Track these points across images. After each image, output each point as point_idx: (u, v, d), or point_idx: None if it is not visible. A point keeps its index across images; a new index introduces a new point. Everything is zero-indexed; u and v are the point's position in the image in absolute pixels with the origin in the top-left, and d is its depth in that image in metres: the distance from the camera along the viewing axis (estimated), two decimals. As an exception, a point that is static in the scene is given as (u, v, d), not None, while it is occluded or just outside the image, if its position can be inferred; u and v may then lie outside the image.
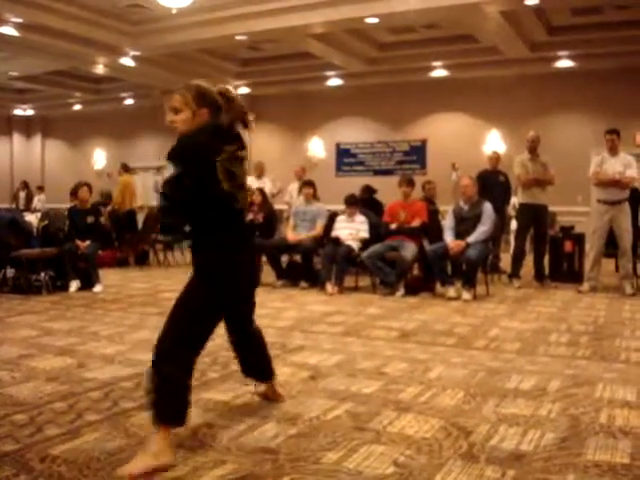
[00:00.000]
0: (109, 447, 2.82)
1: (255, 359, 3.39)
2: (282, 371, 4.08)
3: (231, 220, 2.89)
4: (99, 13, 12.14)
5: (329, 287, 7.85)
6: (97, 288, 7.99)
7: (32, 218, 9.61)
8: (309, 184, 8.99)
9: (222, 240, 2.87)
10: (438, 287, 7.89)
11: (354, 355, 4.60)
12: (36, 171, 22.26)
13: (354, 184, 12.19)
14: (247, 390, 3.64)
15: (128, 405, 3.43)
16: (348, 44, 13.86)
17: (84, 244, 8.10)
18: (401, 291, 7.67)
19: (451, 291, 7.47)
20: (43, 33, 12.20)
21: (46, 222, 8.73)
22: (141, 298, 7.48)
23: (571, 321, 5.99)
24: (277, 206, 10.68)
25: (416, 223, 8.04)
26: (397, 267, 7.73)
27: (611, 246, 8.00)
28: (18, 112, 21.74)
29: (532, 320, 6.05)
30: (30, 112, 21.73)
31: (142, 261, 11.51)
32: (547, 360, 4.48)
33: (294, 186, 11.78)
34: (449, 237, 7.62)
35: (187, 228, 2.86)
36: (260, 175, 11.61)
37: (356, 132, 17.16)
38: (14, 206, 18.64)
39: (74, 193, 8.67)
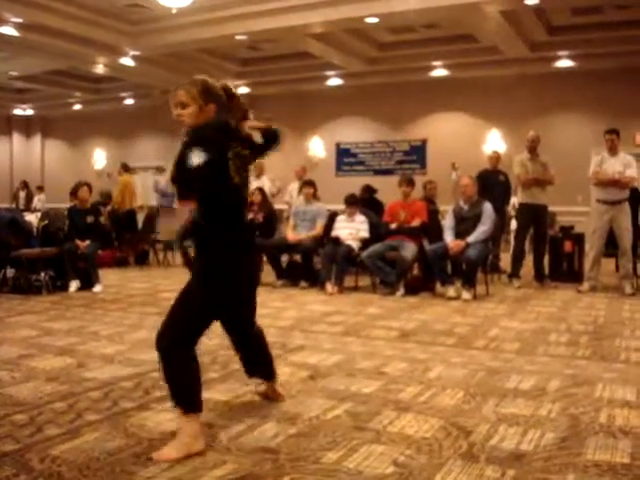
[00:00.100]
0: (109, 447, 2.82)
1: (258, 359, 3.41)
2: (282, 371, 4.08)
3: (235, 218, 2.91)
4: (98, 13, 12.14)
5: (329, 287, 7.85)
6: (97, 288, 7.98)
7: (32, 218, 9.61)
8: (309, 184, 8.99)
9: (227, 239, 2.88)
10: (438, 287, 7.89)
11: (354, 355, 4.60)
12: (36, 171, 22.27)
13: (354, 184, 12.19)
14: (247, 390, 3.64)
15: (128, 405, 3.43)
16: (348, 44, 13.86)
17: (84, 244, 8.10)
18: (401, 291, 7.67)
19: (451, 291, 7.47)
20: (42, 33, 12.20)
21: (46, 222, 8.72)
22: (141, 298, 7.48)
23: (571, 321, 5.99)
24: (277, 206, 10.68)
25: (416, 223, 8.04)
26: (397, 267, 7.73)
27: (611, 246, 8.00)
28: (18, 112, 21.74)
29: (532, 320, 6.05)
30: (30, 112, 21.73)
31: (142, 261, 11.51)
32: (547, 360, 4.48)
33: (294, 186, 11.77)
34: (449, 237, 7.62)
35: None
36: (259, 174, 11.59)
37: (356, 132, 17.16)
38: (14, 206, 18.65)
39: (74, 193, 8.67)
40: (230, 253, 2.88)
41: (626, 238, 7.74)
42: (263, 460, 2.69)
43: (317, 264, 8.58)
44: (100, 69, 15.53)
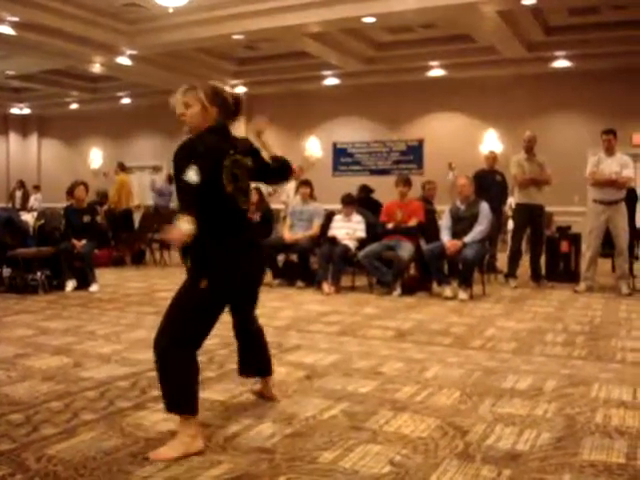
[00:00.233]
0: (105, 446, 2.82)
1: (254, 356, 3.42)
2: (278, 370, 4.08)
3: (233, 222, 2.95)
4: (95, 12, 12.12)
5: (326, 287, 7.85)
6: (93, 287, 7.97)
7: (28, 217, 9.60)
8: (306, 184, 8.98)
9: (222, 242, 2.91)
10: (435, 287, 7.90)
11: (350, 355, 4.60)
12: (32, 170, 22.23)
13: (351, 184, 12.21)
14: (243, 390, 3.64)
15: (124, 404, 3.43)
16: (345, 43, 13.86)
17: (80, 243, 8.09)
18: (398, 291, 7.68)
19: (447, 291, 7.48)
20: (39, 32, 12.18)
21: (42, 221, 8.70)
22: (137, 297, 7.48)
23: (567, 321, 5.99)
24: (274, 205, 10.67)
25: (413, 223, 8.04)
26: (394, 267, 7.73)
27: (607, 246, 8.02)
28: (14, 111, 21.71)
29: (528, 320, 6.06)
30: (26, 111, 21.70)
31: (138, 260, 11.49)
32: (543, 360, 4.48)
33: (291, 185, 11.76)
34: (446, 237, 7.63)
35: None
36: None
37: (353, 132, 17.17)
38: (10, 205, 18.61)
39: (70, 192, 8.65)
40: (219, 256, 2.89)
41: (622, 238, 7.75)
42: (259, 460, 2.69)
43: (314, 264, 8.59)
44: (97, 68, 15.51)
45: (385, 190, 10.40)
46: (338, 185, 14.09)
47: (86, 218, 8.35)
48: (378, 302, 7.20)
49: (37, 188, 19.88)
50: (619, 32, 12.32)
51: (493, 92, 15.09)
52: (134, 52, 13.82)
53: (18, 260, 7.84)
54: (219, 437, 2.96)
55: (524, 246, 8.92)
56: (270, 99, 17.40)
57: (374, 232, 8.27)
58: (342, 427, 3.09)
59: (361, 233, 8.29)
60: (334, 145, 17.43)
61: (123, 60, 14.25)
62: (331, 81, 16.42)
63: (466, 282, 7.40)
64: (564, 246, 8.94)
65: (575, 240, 9.00)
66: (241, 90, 17.07)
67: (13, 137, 22.76)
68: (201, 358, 4.29)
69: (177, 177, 2.79)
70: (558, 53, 13.73)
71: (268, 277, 8.60)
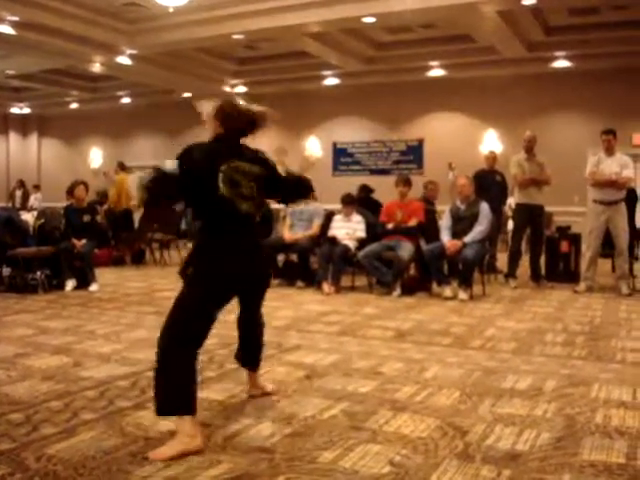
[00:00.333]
0: (105, 446, 2.82)
1: (245, 348, 3.52)
2: (278, 370, 4.09)
3: (230, 224, 3.05)
4: (95, 11, 12.12)
5: (325, 287, 7.85)
6: (93, 287, 7.97)
7: (28, 217, 9.60)
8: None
9: (218, 242, 3.04)
10: (434, 287, 7.89)
11: (350, 355, 4.60)
12: (32, 170, 22.23)
13: (351, 183, 12.20)
14: (243, 389, 3.64)
15: (124, 404, 3.43)
16: (345, 43, 13.86)
17: (80, 243, 8.09)
18: (397, 291, 7.67)
19: (447, 291, 7.47)
20: (39, 31, 12.18)
21: (42, 221, 8.70)
22: (137, 297, 7.47)
23: (567, 321, 5.99)
24: (273, 205, 10.66)
25: (413, 223, 8.04)
26: (394, 267, 7.72)
27: (607, 246, 8.02)
28: (14, 110, 21.70)
29: (528, 320, 6.06)
30: (26, 110, 21.70)
31: (138, 260, 11.49)
32: (543, 360, 4.48)
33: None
34: (446, 237, 7.63)
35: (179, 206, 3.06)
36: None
37: (353, 131, 17.17)
38: (10, 205, 18.62)
39: (70, 192, 8.64)
40: (215, 255, 3.00)
41: (622, 238, 7.75)
42: (259, 460, 2.69)
43: (314, 264, 8.58)
44: (97, 68, 15.51)
45: (385, 190, 10.40)
46: (338, 185, 14.08)
47: (86, 218, 8.35)
48: (378, 302, 7.20)
49: (37, 187, 19.90)
50: (619, 32, 12.32)
51: (493, 92, 15.09)
52: (134, 52, 13.81)
53: (18, 259, 7.84)
54: (218, 437, 2.96)
55: (524, 246, 8.92)
56: (270, 99, 17.33)
57: (374, 232, 8.26)
58: (342, 427, 3.09)
59: (361, 233, 8.29)
60: (334, 145, 17.43)
61: (123, 60, 14.25)
62: (331, 81, 16.42)
63: (466, 282, 7.40)
64: (564, 246, 8.94)
65: (575, 240, 8.99)
66: (241, 90, 17.07)
67: (13, 137, 22.76)
68: (201, 358, 4.29)
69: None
70: (558, 53, 13.73)
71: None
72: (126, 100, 19.44)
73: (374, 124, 16.88)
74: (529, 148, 8.56)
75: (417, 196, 9.19)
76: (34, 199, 19.13)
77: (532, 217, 8.48)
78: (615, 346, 4.94)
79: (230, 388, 3.72)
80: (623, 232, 7.76)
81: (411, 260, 7.96)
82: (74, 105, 20.59)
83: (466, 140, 15.36)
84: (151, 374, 4.00)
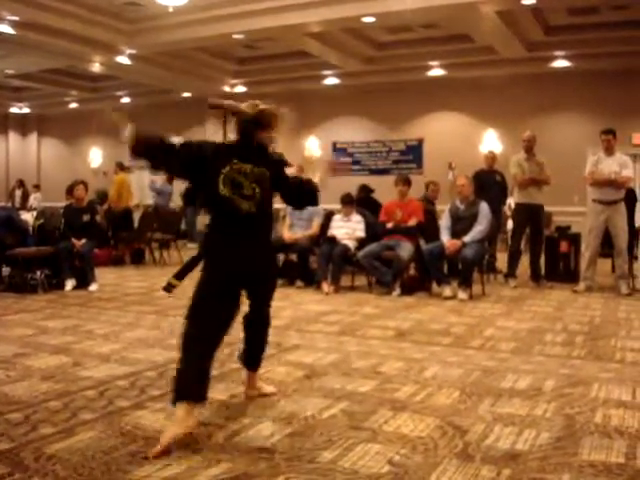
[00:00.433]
0: (104, 446, 2.82)
1: (247, 346, 3.54)
2: (278, 370, 4.09)
3: (229, 222, 3.19)
4: (95, 11, 12.10)
5: (325, 286, 7.85)
6: (93, 287, 7.97)
7: (28, 216, 9.59)
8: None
9: (218, 237, 3.22)
10: (434, 286, 7.89)
11: (350, 354, 4.60)
12: (32, 169, 22.22)
13: (350, 183, 12.19)
14: (243, 389, 3.64)
15: (123, 404, 3.43)
16: (345, 43, 13.85)
17: (80, 243, 8.09)
18: (397, 290, 7.67)
19: (447, 290, 7.47)
20: (39, 31, 12.16)
21: (42, 220, 8.71)
22: (137, 297, 7.47)
23: (567, 321, 5.99)
24: (273, 205, 10.66)
25: (412, 222, 8.04)
26: (393, 266, 7.72)
27: (607, 246, 8.01)
28: (14, 110, 21.68)
29: (528, 320, 6.06)
30: (26, 110, 21.68)
31: (138, 260, 11.48)
32: (542, 360, 4.48)
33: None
34: (445, 236, 7.63)
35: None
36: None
37: (352, 131, 17.15)
38: (10, 204, 18.60)
39: (70, 191, 8.65)
40: (214, 249, 3.23)
41: (622, 238, 7.75)
42: (258, 459, 2.69)
43: (313, 263, 8.58)
44: (97, 67, 15.49)
45: (385, 190, 10.40)
46: (337, 185, 14.07)
47: (86, 217, 8.35)
48: (377, 302, 7.20)
49: (37, 187, 19.88)
50: (619, 32, 12.30)
51: (493, 92, 15.07)
52: (134, 51, 13.79)
53: (18, 259, 7.84)
54: (218, 436, 2.96)
55: (523, 246, 8.92)
56: (270, 98, 17.28)
57: (374, 232, 8.26)
58: (341, 426, 3.09)
59: (360, 233, 8.29)
60: (334, 145, 17.42)
61: (123, 59, 14.23)
62: (331, 81, 16.40)
63: (466, 282, 7.40)
64: (563, 246, 8.94)
65: (574, 240, 8.99)
66: (241, 90, 17.06)
67: (13, 136, 22.74)
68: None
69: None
70: (558, 53, 13.71)
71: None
72: (126, 100, 19.42)
73: (374, 124, 16.87)
74: (529, 148, 8.56)
75: (417, 196, 9.19)
76: (34, 199, 19.11)
77: (532, 217, 8.48)
78: (614, 346, 4.94)
79: (231, 388, 3.72)
80: (622, 232, 7.76)
81: (411, 260, 7.96)
82: (74, 105, 20.57)
83: (466, 140, 15.35)
84: (150, 374, 4.02)
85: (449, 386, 3.79)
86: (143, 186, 17.21)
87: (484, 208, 7.66)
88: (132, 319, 6.00)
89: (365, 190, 10.22)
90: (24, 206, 17.79)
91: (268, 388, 3.64)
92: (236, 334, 3.44)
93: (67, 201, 8.71)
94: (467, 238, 7.47)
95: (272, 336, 4.96)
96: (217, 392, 3.64)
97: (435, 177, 11.61)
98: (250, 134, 3.27)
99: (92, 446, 2.81)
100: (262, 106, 3.33)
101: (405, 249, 7.78)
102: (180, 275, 3.25)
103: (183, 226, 14.61)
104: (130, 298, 7.37)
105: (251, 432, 3.02)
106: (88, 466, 2.61)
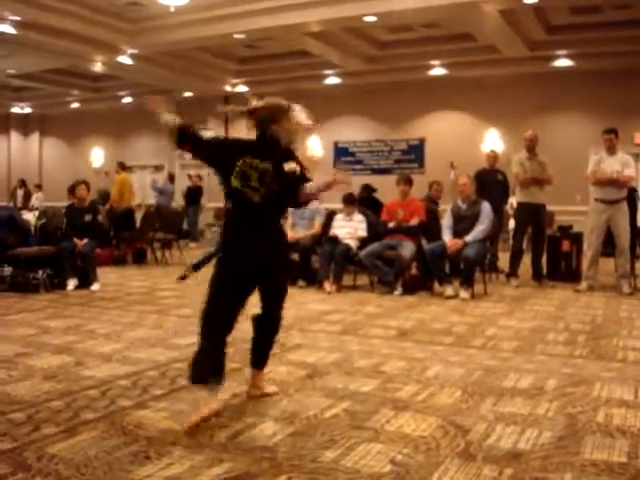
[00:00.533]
0: (106, 445, 2.82)
1: (253, 343, 3.58)
2: (280, 369, 4.09)
3: (241, 213, 3.37)
4: (97, 11, 12.12)
5: (327, 286, 7.85)
6: (95, 286, 7.98)
7: (30, 216, 9.60)
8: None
9: (230, 227, 3.42)
10: (436, 286, 7.89)
11: (352, 353, 4.60)
12: (34, 169, 22.24)
13: (353, 183, 12.17)
14: (245, 389, 3.64)
15: (125, 403, 3.43)
16: (346, 42, 13.85)
17: (82, 242, 8.09)
18: (399, 290, 7.67)
19: (449, 290, 7.47)
20: (41, 31, 12.18)
21: (44, 220, 8.71)
22: (139, 296, 7.48)
23: (569, 320, 5.99)
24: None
25: (414, 222, 8.03)
26: (395, 266, 7.73)
27: (609, 245, 8.00)
28: (16, 110, 21.72)
29: (530, 319, 6.05)
30: (28, 110, 21.71)
31: (140, 259, 11.48)
32: (544, 359, 4.48)
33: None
34: (447, 236, 7.62)
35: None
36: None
37: (354, 131, 17.16)
38: (12, 204, 18.62)
39: (72, 191, 8.65)
40: (226, 243, 3.38)
41: (624, 237, 7.74)
42: (261, 459, 2.69)
43: (315, 263, 8.58)
44: (98, 67, 15.51)
45: (387, 189, 10.40)
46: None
47: (87, 217, 8.35)
48: (379, 301, 7.20)
49: (39, 187, 19.91)
50: (621, 31, 12.30)
51: (494, 91, 15.07)
52: (135, 51, 13.81)
53: (20, 259, 7.85)
54: (221, 436, 2.96)
55: (525, 245, 8.91)
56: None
57: (375, 231, 8.26)
58: (343, 426, 3.09)
59: (362, 232, 8.29)
60: (335, 144, 17.42)
61: (124, 59, 14.25)
62: (332, 80, 16.41)
63: (467, 281, 7.39)
64: (565, 245, 8.93)
65: (577, 239, 8.99)
66: (242, 89, 17.06)
67: (15, 136, 22.77)
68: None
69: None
70: (560, 52, 13.71)
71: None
72: (127, 100, 19.43)
73: (375, 123, 16.87)
74: (531, 147, 8.55)
75: (418, 195, 9.18)
76: (35, 198, 19.13)
77: (534, 216, 8.48)
78: (616, 345, 4.94)
79: (232, 387, 3.71)
80: (624, 231, 7.75)
81: (412, 259, 7.95)
82: (75, 105, 20.59)
83: (467, 139, 15.35)
84: (152, 373, 4.02)
85: (451, 385, 3.79)
86: (145, 186, 17.24)
87: (486, 207, 7.65)
88: (134, 319, 6.01)
89: (368, 190, 10.22)
90: (26, 206, 17.80)
91: (270, 388, 3.64)
92: (234, 334, 3.43)
93: (69, 201, 8.71)
94: (469, 237, 7.47)
95: (274, 336, 4.98)
96: (219, 392, 3.64)
97: (437, 176, 11.61)
98: (263, 129, 3.42)
99: (94, 446, 2.82)
100: (269, 100, 3.47)
101: (407, 248, 7.77)
102: (197, 266, 3.46)
103: (185, 226, 14.63)
104: (132, 298, 7.37)
105: (253, 432, 3.02)
106: (90, 466, 2.61)
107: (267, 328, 3.52)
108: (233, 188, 3.33)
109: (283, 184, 3.38)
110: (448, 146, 15.40)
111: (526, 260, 8.86)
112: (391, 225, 8.08)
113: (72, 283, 7.97)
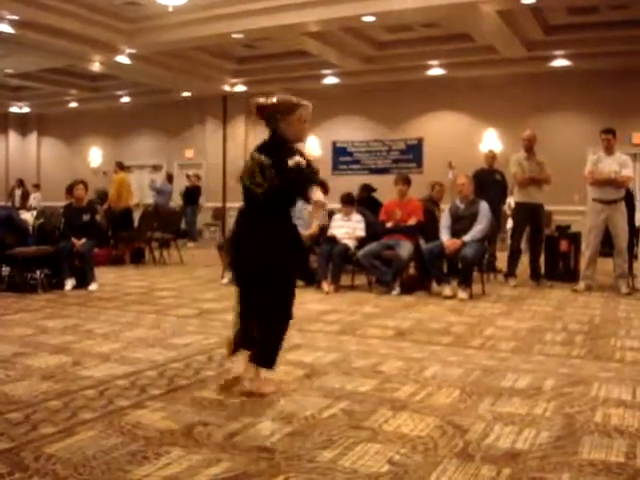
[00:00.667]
0: (104, 445, 2.82)
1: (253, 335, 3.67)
2: (278, 369, 4.08)
3: (249, 208, 3.59)
4: (95, 11, 12.11)
5: (325, 286, 7.85)
6: (92, 286, 7.97)
7: (28, 216, 9.59)
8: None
9: (240, 222, 3.66)
10: (434, 286, 7.89)
11: (350, 353, 4.60)
12: (32, 169, 22.22)
13: (350, 183, 12.20)
14: (242, 388, 3.63)
15: (123, 403, 3.43)
16: (345, 42, 13.85)
17: (80, 242, 8.08)
18: (397, 290, 7.68)
19: (447, 290, 7.47)
20: (39, 30, 12.17)
21: (42, 220, 8.70)
22: (137, 296, 7.47)
23: (566, 320, 5.99)
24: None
25: (412, 222, 8.04)
26: (393, 266, 7.73)
27: (607, 245, 8.01)
28: (14, 110, 21.69)
29: (528, 319, 6.06)
30: (26, 110, 21.68)
31: (138, 259, 11.48)
32: (542, 359, 4.48)
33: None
34: (445, 236, 7.62)
35: None
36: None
37: (352, 130, 17.16)
38: (10, 204, 18.61)
39: (70, 191, 8.64)
40: (235, 234, 3.69)
41: (622, 238, 7.75)
42: (258, 459, 2.69)
43: (313, 263, 8.57)
44: (96, 67, 15.50)
45: (385, 189, 10.40)
46: (337, 184, 14.06)
47: (85, 217, 8.34)
48: (377, 301, 7.20)
49: (37, 187, 19.89)
50: (618, 31, 12.31)
51: (492, 91, 15.07)
52: (133, 51, 13.80)
53: (17, 259, 7.83)
54: (218, 436, 2.96)
55: (523, 245, 8.92)
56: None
57: (374, 231, 8.26)
58: (341, 426, 3.09)
59: (360, 232, 8.29)
60: (333, 144, 17.42)
61: (123, 59, 14.23)
62: (330, 80, 16.41)
63: (465, 281, 7.40)
64: (563, 245, 8.94)
65: (575, 239, 8.99)
66: (241, 89, 17.06)
67: (12, 136, 22.75)
68: (199, 357, 4.32)
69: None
70: (557, 52, 13.72)
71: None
72: (126, 99, 19.42)
73: (373, 123, 16.88)
74: (529, 147, 8.55)
75: (417, 195, 9.17)
76: (33, 198, 19.12)
77: (532, 216, 8.48)
78: (614, 345, 4.94)
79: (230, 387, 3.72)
80: (622, 231, 7.76)
81: (410, 259, 7.95)
82: (74, 104, 20.57)
83: (466, 139, 15.36)
84: (150, 373, 4.02)
85: (449, 385, 3.79)
86: (143, 185, 17.24)
87: (484, 207, 7.66)
88: (132, 318, 6.00)
89: (367, 189, 10.22)
90: (24, 205, 17.79)
91: (268, 387, 3.64)
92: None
93: (67, 201, 8.70)
94: (467, 237, 7.47)
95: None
96: (216, 391, 3.64)
97: (435, 176, 11.63)
98: (271, 126, 3.55)
99: (92, 445, 2.81)
100: (275, 97, 3.55)
101: (405, 248, 7.78)
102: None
103: (183, 225, 14.62)
104: (130, 297, 7.36)
105: (251, 431, 3.02)
106: (88, 465, 2.60)
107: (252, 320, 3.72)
108: (245, 187, 3.56)
109: (286, 179, 3.41)
110: (446, 146, 15.41)
111: (524, 260, 8.87)
112: (389, 225, 8.08)
113: (70, 283, 7.96)
